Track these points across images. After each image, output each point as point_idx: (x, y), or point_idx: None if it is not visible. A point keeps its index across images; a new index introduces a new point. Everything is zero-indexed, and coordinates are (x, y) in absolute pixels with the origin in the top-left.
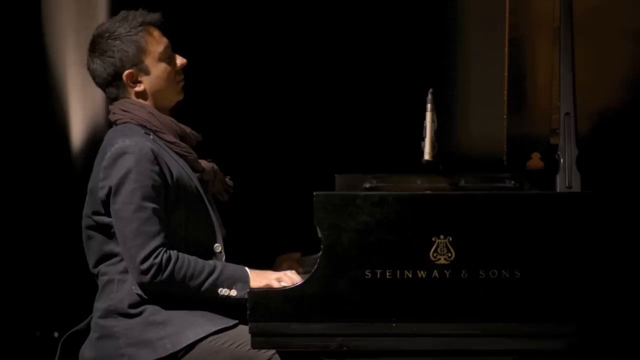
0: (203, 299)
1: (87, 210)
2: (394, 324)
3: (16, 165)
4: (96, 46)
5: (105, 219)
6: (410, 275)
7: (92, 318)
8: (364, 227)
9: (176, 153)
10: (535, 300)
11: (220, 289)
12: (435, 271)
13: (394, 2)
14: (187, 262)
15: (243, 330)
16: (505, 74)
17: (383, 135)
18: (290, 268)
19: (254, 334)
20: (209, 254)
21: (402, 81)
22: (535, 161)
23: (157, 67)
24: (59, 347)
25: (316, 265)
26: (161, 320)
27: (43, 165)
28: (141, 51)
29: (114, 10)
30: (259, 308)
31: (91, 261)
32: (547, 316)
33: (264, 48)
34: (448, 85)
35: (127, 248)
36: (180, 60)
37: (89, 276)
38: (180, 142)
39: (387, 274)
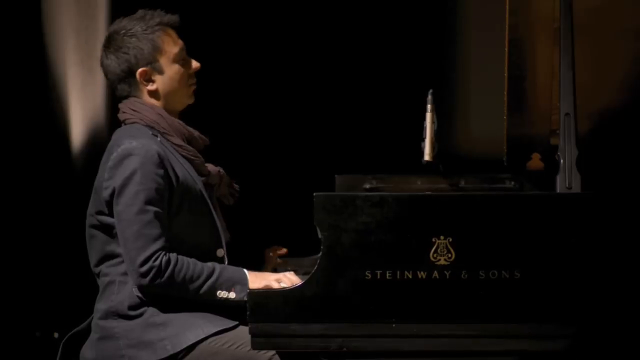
0: (202, 302)
1: (91, 209)
2: (394, 325)
3: (16, 165)
4: (111, 42)
5: (108, 219)
6: (410, 276)
7: (92, 319)
8: (364, 228)
9: (183, 156)
10: (536, 301)
11: (218, 292)
12: (435, 272)
13: (394, 3)
14: (186, 265)
15: (243, 331)
16: (505, 74)
17: (383, 136)
18: (274, 259)
19: (254, 334)
20: (212, 259)
21: (402, 82)
22: (535, 162)
23: (171, 68)
24: (60, 348)
25: (316, 266)
26: (161, 322)
27: (43, 166)
28: (157, 50)
29: (114, 10)
30: (259, 309)
31: (93, 260)
32: (547, 317)
33: (265, 49)
34: (448, 86)
35: (127, 250)
36: (194, 64)
37: (89, 276)
38: (187, 146)
39: (387, 274)
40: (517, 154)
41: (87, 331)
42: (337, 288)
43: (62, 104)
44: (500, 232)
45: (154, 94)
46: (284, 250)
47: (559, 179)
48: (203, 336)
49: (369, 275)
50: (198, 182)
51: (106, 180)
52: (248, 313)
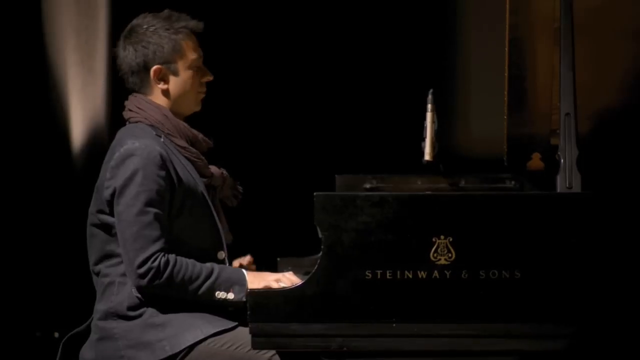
0: (201, 302)
1: (92, 207)
2: (394, 325)
3: (17, 165)
4: (133, 34)
5: (109, 219)
6: (410, 276)
7: (92, 319)
8: (364, 228)
9: (185, 158)
10: (536, 300)
11: (217, 292)
12: (435, 271)
13: (394, 3)
14: (185, 266)
15: (242, 332)
16: (506, 74)
17: (383, 136)
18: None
19: (254, 334)
20: (212, 261)
21: (403, 81)
22: (536, 161)
23: (185, 73)
24: (59, 349)
25: (316, 266)
26: (160, 323)
27: (44, 166)
28: (177, 52)
29: (114, 10)
30: (259, 308)
31: (92, 258)
32: (547, 317)
33: (265, 50)
34: (448, 86)
35: (126, 250)
36: (208, 76)
37: (89, 276)
38: (191, 147)
39: (388, 274)
40: (518, 154)
41: (87, 332)
42: (337, 288)
43: (63, 104)
44: (501, 232)
45: (164, 93)
46: (247, 259)
47: (559, 178)
48: (202, 337)
49: (369, 275)
50: (200, 184)
51: (108, 179)
52: (248, 313)
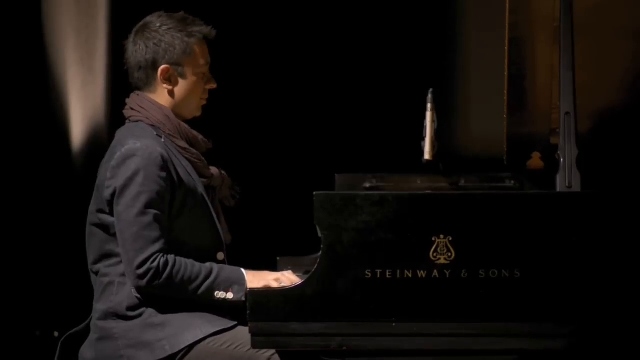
0: (200, 302)
1: (92, 206)
2: (394, 324)
3: (17, 165)
4: (145, 30)
5: (108, 218)
6: (410, 275)
7: (91, 319)
8: (364, 227)
9: (186, 159)
10: (536, 300)
11: (216, 292)
12: (435, 271)
13: (394, 3)
14: (184, 266)
15: (242, 331)
16: (505, 73)
17: (383, 135)
18: None
19: (254, 333)
20: (212, 262)
21: (403, 81)
22: (536, 161)
23: (192, 77)
24: (58, 348)
25: (316, 265)
26: (160, 322)
27: (44, 165)
28: (187, 55)
29: (114, 10)
30: (259, 308)
31: (91, 257)
32: (547, 316)
33: (265, 49)
34: (448, 85)
35: (125, 251)
36: (213, 83)
37: (89, 276)
38: (191, 148)
39: (387, 273)
40: (517, 153)
41: (86, 331)
42: (337, 287)
43: (62, 103)
44: (501, 231)
45: (167, 94)
46: None
47: (559, 178)
48: (201, 336)
49: (369, 274)
50: (200, 185)
51: (108, 179)
52: (248, 312)
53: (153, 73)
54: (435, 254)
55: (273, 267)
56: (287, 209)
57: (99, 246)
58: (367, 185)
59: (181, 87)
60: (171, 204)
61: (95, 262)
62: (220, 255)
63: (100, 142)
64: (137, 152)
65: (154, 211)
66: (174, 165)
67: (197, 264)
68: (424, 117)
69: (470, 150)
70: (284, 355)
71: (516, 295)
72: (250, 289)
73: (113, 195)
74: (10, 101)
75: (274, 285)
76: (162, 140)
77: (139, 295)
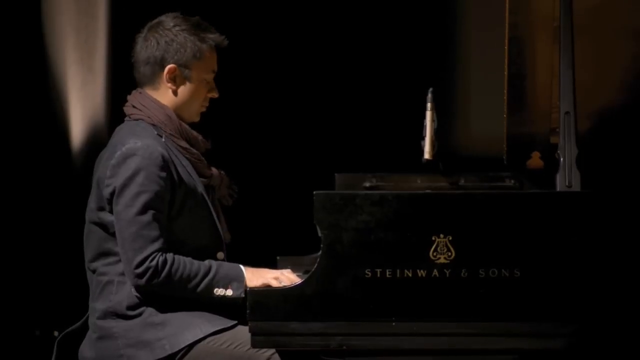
0: (200, 300)
1: (92, 203)
2: (393, 323)
3: (16, 164)
4: (159, 27)
5: (108, 217)
6: (410, 275)
7: (88, 317)
8: (364, 226)
9: (186, 158)
10: (535, 299)
11: (215, 289)
12: (435, 270)
13: (394, 3)
14: (183, 264)
15: (242, 331)
16: (505, 73)
17: (383, 134)
18: None
19: (253, 333)
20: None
21: (402, 80)
22: (535, 160)
23: (196, 82)
24: (55, 347)
25: (316, 265)
26: (160, 322)
27: (43, 164)
28: (197, 59)
29: (113, 10)
30: (258, 307)
31: (88, 255)
32: (547, 315)
33: (264, 48)
34: (448, 84)
35: (124, 250)
36: (215, 93)
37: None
38: (192, 149)
39: (387, 273)
40: (517, 153)
41: (82, 330)
42: (337, 286)
43: (62, 102)
44: (500, 230)
45: (170, 94)
46: None
47: (558, 177)
48: (201, 336)
49: (369, 273)
50: (199, 185)
51: (108, 177)
52: (248, 311)
53: (159, 70)
54: (435, 254)
55: (273, 267)
56: (287, 208)
57: (97, 244)
58: (367, 184)
59: (184, 90)
60: (171, 203)
61: (93, 260)
62: (220, 255)
63: (99, 141)
64: (137, 151)
65: (153, 211)
66: (174, 165)
67: (196, 262)
68: (423, 117)
69: (470, 149)
70: (283, 354)
71: (516, 295)
72: (250, 288)
73: (112, 194)
74: (10, 100)
75: (273, 283)
76: (163, 139)
77: (138, 295)
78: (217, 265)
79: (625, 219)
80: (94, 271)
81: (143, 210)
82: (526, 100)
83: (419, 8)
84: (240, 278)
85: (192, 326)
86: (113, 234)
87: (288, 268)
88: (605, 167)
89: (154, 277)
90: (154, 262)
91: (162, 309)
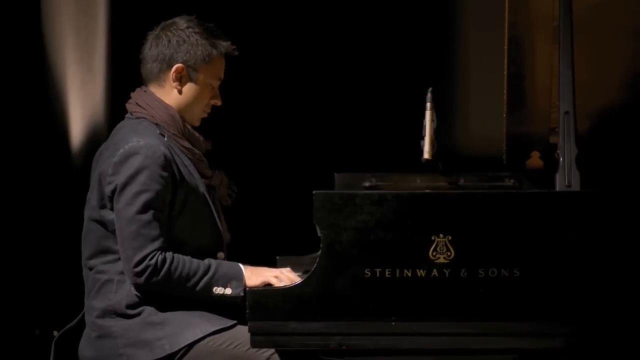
0: (200, 299)
1: (93, 200)
2: (393, 323)
3: (16, 164)
4: (172, 27)
5: (109, 214)
6: (409, 274)
7: (83, 315)
8: (364, 226)
9: (188, 158)
10: (535, 299)
11: (214, 288)
12: (434, 270)
13: (394, 2)
14: (182, 263)
15: (241, 331)
16: (505, 72)
17: (382, 134)
18: None
19: (253, 333)
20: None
21: (402, 80)
22: (535, 160)
23: (202, 85)
24: (52, 348)
25: (315, 264)
26: (159, 321)
27: (43, 164)
28: (205, 63)
29: (113, 9)
30: (258, 307)
31: (86, 252)
32: (546, 315)
33: (264, 47)
34: (447, 84)
35: (124, 248)
36: (218, 100)
37: None
38: (194, 149)
39: (387, 272)
40: (517, 152)
41: (78, 328)
42: (336, 286)
43: (62, 102)
44: (500, 230)
45: (174, 93)
46: None
47: (558, 177)
48: (201, 335)
49: (369, 273)
50: (201, 185)
51: (110, 175)
52: (247, 311)
53: (167, 69)
54: (434, 253)
55: (272, 267)
56: (287, 208)
57: (97, 242)
58: (367, 184)
59: (189, 91)
60: (172, 203)
61: (91, 257)
62: (221, 255)
63: (99, 140)
64: (140, 150)
65: (154, 209)
66: (176, 165)
67: (195, 261)
68: (423, 117)
69: (469, 149)
70: (283, 354)
71: (515, 295)
72: (249, 288)
73: (114, 191)
74: (9, 100)
75: (273, 281)
76: (165, 139)
77: (138, 294)
78: (216, 264)
79: (624, 218)
80: (90, 269)
81: (144, 209)
82: (526, 100)
83: (418, 8)
84: (240, 277)
85: (191, 326)
86: (113, 232)
87: (288, 267)
88: (604, 167)
89: (153, 276)
90: (153, 261)
91: (162, 309)
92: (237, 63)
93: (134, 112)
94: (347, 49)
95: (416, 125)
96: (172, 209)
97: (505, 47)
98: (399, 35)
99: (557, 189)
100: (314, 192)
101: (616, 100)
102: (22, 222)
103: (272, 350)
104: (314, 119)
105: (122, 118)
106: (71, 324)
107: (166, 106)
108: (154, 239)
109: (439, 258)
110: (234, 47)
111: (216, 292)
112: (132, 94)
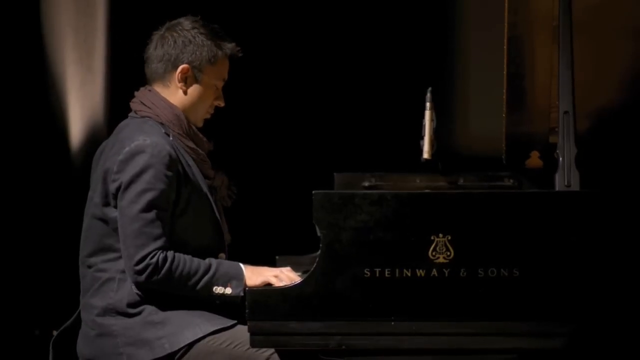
0: (200, 298)
1: (96, 198)
2: (392, 323)
3: (16, 164)
4: (178, 27)
5: (113, 212)
6: (409, 274)
7: (79, 314)
8: (363, 226)
9: (192, 159)
10: (534, 298)
11: (215, 287)
12: (434, 270)
13: (393, 2)
14: (183, 261)
15: (241, 331)
16: (504, 72)
17: (382, 134)
18: None
19: (253, 332)
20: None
21: (402, 80)
22: (534, 160)
23: (206, 86)
24: (50, 348)
25: (315, 264)
26: (160, 320)
27: (42, 164)
28: (211, 64)
29: (112, 9)
30: (258, 307)
31: (86, 250)
32: (546, 315)
33: (264, 47)
34: (447, 84)
35: (126, 246)
36: (222, 102)
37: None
38: (198, 149)
39: (386, 272)
40: (516, 152)
41: (74, 326)
42: (336, 286)
43: (61, 102)
44: (499, 230)
45: (179, 94)
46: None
47: (557, 177)
48: (201, 335)
49: (368, 273)
50: (204, 185)
51: (115, 173)
52: (247, 311)
53: (172, 69)
54: (434, 253)
55: (272, 266)
56: (286, 208)
57: (98, 239)
58: (366, 184)
59: (193, 91)
60: (176, 202)
61: (91, 255)
62: (222, 256)
63: (98, 140)
64: (146, 148)
65: (157, 209)
66: (181, 164)
67: (196, 260)
68: (422, 116)
69: (469, 149)
70: (283, 354)
71: (515, 294)
72: (249, 288)
73: (118, 189)
74: (9, 100)
75: (273, 281)
76: (170, 138)
77: (139, 292)
78: (217, 263)
79: (624, 218)
80: (89, 266)
81: (147, 208)
82: (525, 100)
83: (418, 8)
84: (240, 276)
85: (191, 325)
86: (116, 230)
87: (288, 267)
88: (604, 167)
89: (153, 274)
90: (154, 259)
91: (162, 308)
92: (237, 63)
93: (138, 110)
94: (347, 49)
95: (416, 125)
96: (176, 208)
97: (505, 47)
98: (399, 35)
99: (557, 188)
100: (313, 192)
101: (616, 100)
102: (21, 222)
103: (272, 350)
104: (313, 119)
105: (122, 118)
106: (67, 323)
107: (171, 106)
108: (156, 238)
109: (438, 258)
110: (239, 48)
111: (216, 292)
112: (136, 93)
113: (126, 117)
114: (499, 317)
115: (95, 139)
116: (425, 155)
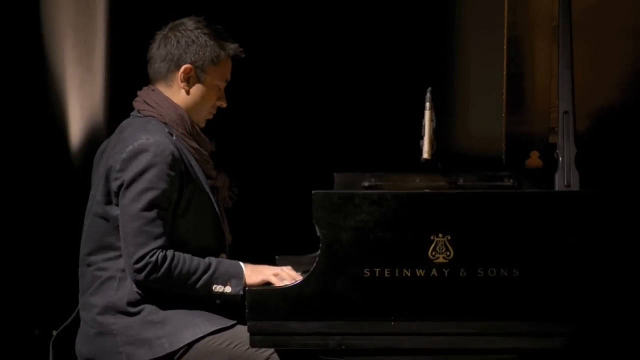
0: (199, 297)
1: (98, 196)
2: (392, 323)
3: (15, 164)
4: (181, 27)
5: (115, 210)
6: (408, 274)
7: (78, 312)
8: (363, 226)
9: (195, 159)
10: (534, 298)
11: (214, 286)
12: (434, 270)
13: (393, 2)
14: (183, 260)
15: (241, 330)
16: (504, 72)
17: (382, 134)
18: None
19: (252, 332)
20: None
21: (401, 80)
22: (534, 160)
23: (209, 86)
24: (50, 348)
25: (315, 264)
26: (159, 320)
27: (42, 164)
28: (213, 64)
29: (112, 9)
30: (257, 307)
31: (86, 248)
32: (546, 315)
33: (264, 47)
34: (447, 84)
35: (126, 244)
36: (224, 102)
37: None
38: (201, 149)
39: (386, 272)
40: (516, 152)
41: (73, 325)
42: (335, 286)
43: (61, 102)
44: (499, 230)
45: (184, 93)
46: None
47: (557, 176)
48: (200, 335)
49: (368, 273)
50: (206, 185)
51: (118, 171)
52: (247, 311)
53: (175, 69)
54: (433, 253)
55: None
56: (286, 208)
57: (99, 237)
58: (366, 184)
59: (196, 91)
60: (178, 202)
61: (91, 253)
62: (223, 256)
63: (98, 140)
64: (149, 147)
65: (159, 208)
66: (184, 164)
67: (196, 259)
68: (422, 116)
69: (468, 149)
70: (282, 354)
71: (515, 294)
72: (249, 288)
73: (120, 187)
74: (9, 100)
75: (273, 279)
76: (174, 138)
77: (139, 291)
78: (216, 262)
79: (624, 218)
80: (89, 265)
81: (149, 207)
82: (525, 100)
83: (418, 8)
84: (240, 275)
85: (191, 325)
86: (117, 229)
87: (288, 266)
88: (604, 167)
89: (152, 273)
90: (154, 258)
91: (162, 307)
92: (238, 64)
93: (141, 110)
94: (347, 49)
95: (415, 125)
96: (177, 208)
97: (505, 47)
98: (399, 35)
99: (557, 188)
100: (313, 191)
101: (615, 100)
102: (21, 222)
103: (272, 350)
104: (313, 119)
105: (122, 117)
106: (66, 322)
107: (175, 106)
108: (156, 237)
109: (438, 258)
110: (242, 49)
111: (216, 290)
112: (139, 92)
113: (126, 117)
114: (499, 317)
115: (95, 139)
116: (425, 155)
